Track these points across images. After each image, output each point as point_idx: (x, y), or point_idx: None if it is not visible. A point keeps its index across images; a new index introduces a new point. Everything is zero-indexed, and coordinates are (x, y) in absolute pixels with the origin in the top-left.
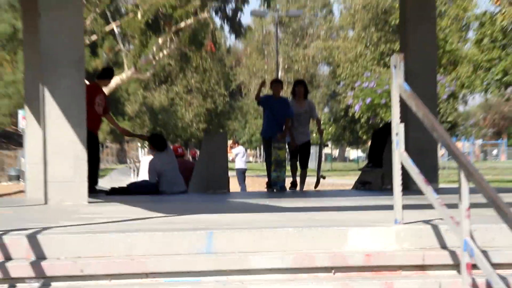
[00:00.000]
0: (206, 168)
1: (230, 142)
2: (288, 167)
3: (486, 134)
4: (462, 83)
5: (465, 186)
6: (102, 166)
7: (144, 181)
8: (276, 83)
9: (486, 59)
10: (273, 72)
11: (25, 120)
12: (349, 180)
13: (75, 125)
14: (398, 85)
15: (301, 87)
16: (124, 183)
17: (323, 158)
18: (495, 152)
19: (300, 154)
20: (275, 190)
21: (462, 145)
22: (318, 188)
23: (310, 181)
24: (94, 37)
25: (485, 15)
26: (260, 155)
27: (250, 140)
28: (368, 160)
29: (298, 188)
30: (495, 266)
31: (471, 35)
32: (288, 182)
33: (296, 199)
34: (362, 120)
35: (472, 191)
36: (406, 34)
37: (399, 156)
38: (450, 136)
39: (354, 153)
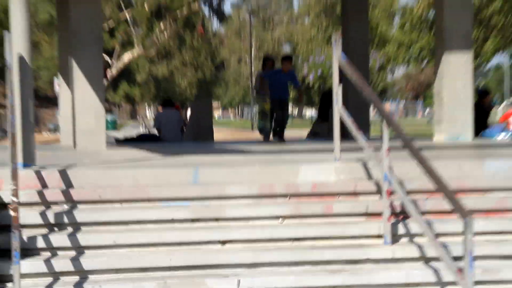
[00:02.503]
0: (195, 123)
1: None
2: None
3: (407, 97)
4: (389, 58)
5: (385, 131)
6: (118, 122)
7: (149, 133)
8: (286, 60)
9: (407, 40)
10: (247, 50)
11: (58, 86)
12: (305, 132)
13: (95, 89)
14: (337, 56)
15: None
16: (134, 135)
17: None
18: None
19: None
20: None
21: (389, 105)
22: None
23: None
24: (111, 23)
25: (406, 6)
26: (238, 113)
27: (230, 103)
28: (318, 116)
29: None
30: (408, 192)
31: (396, 21)
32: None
33: (263, 145)
34: (315, 87)
35: (392, 141)
36: (347, 20)
37: (338, 110)
38: (380, 98)
39: (309, 112)
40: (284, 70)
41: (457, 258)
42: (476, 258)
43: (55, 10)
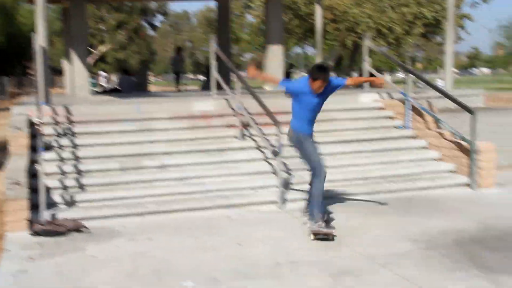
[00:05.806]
0: (139, 82)
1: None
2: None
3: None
4: (242, 49)
5: (238, 85)
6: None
7: (115, 88)
8: (180, 49)
9: (251, 39)
10: (168, 45)
11: (64, 63)
12: (198, 86)
13: (83, 64)
14: (212, 47)
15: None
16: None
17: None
18: None
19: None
20: None
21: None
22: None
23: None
24: (93, 30)
25: (251, 22)
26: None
27: (159, 72)
28: (205, 78)
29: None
30: (250, 114)
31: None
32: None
33: (176, 93)
34: (203, 62)
35: (242, 90)
36: (216, 28)
37: (214, 74)
38: (237, 69)
39: (201, 76)
40: (180, 55)
41: (273, 146)
42: (282, 145)
43: (62, 23)
